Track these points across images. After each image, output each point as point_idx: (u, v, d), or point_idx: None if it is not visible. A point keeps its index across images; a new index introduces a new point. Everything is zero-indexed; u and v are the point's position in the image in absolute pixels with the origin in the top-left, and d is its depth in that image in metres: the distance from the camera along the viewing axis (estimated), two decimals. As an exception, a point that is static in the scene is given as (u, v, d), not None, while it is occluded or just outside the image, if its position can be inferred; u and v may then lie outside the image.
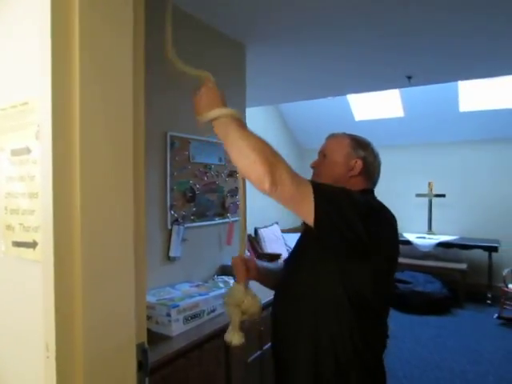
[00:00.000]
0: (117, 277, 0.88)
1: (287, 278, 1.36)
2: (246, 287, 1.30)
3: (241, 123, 1.15)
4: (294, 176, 1.07)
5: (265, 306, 1.41)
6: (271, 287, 1.46)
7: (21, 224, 0.89)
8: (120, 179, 0.90)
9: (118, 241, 0.89)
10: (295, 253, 1.41)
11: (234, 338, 1.26)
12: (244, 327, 1.29)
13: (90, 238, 0.82)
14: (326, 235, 1.11)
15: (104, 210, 0.85)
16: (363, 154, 1.34)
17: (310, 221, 1.07)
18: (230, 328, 1.28)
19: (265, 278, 1.49)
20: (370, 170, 1.35)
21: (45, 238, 0.80)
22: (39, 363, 0.80)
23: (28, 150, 0.87)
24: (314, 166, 1.39)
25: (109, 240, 0.86)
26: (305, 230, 1.39)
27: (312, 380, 1.20)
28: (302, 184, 1.08)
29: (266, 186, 1.02)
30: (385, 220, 1.23)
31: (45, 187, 0.80)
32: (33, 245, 0.86)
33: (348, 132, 1.43)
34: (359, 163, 1.32)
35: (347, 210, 1.09)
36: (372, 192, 1.37)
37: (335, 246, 1.15)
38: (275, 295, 1.40)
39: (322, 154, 1.39)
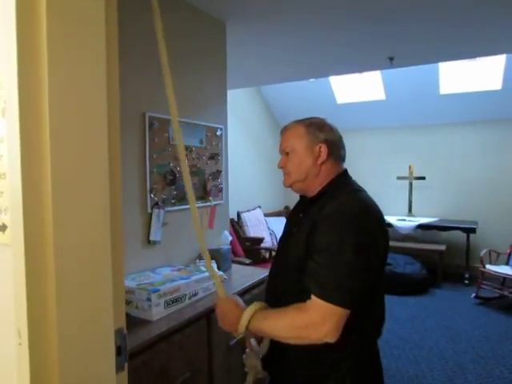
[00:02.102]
0: (92, 260, 0.85)
1: (278, 261, 1.38)
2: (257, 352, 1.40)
3: (262, 315, 1.22)
4: (319, 312, 1.10)
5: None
6: None
7: (-12, 206, 0.84)
8: (94, 160, 0.85)
9: (93, 223, 0.85)
10: (282, 246, 1.41)
11: None
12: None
13: (62, 220, 0.78)
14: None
15: (77, 192, 0.81)
16: (323, 136, 1.30)
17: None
18: None
19: None
20: (335, 149, 1.32)
21: (14, 220, 0.76)
22: (11, 351, 0.77)
23: (-6, 128, 0.82)
24: (282, 167, 1.36)
25: (82, 222, 0.82)
26: (293, 221, 1.39)
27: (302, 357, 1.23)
28: (323, 308, 1.10)
29: (329, 340, 1.10)
30: (376, 232, 1.21)
31: (13, 167, 0.75)
32: (2, 228, 0.81)
33: (326, 116, 1.40)
34: (323, 147, 1.29)
35: (355, 281, 1.12)
36: (346, 174, 1.35)
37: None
38: (269, 277, 1.41)
39: (284, 152, 1.35)
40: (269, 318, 1.20)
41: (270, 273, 1.41)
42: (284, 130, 1.38)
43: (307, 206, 1.33)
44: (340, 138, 1.35)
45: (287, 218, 1.51)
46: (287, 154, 1.33)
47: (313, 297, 1.12)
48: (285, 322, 1.15)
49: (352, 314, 1.14)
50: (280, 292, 1.31)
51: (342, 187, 1.28)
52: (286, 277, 1.28)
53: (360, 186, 1.32)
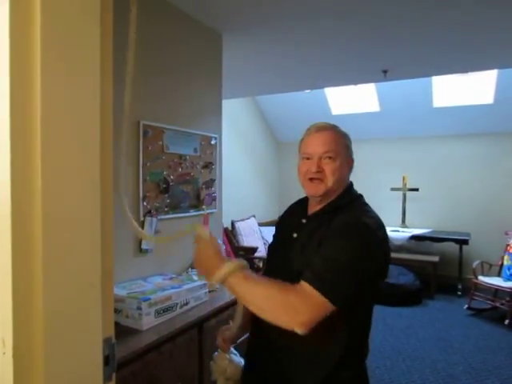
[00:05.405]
0: (81, 268, 0.84)
1: (277, 267, 1.30)
2: (229, 355, 1.36)
3: (243, 274, 1.11)
4: (306, 299, 1.04)
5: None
6: None
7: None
8: (85, 168, 0.85)
9: (83, 230, 0.84)
10: (277, 253, 1.35)
11: None
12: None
13: (51, 227, 0.77)
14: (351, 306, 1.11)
15: (67, 199, 0.81)
16: (352, 149, 1.30)
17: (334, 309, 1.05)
18: None
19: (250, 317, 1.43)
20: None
21: (2, 226, 0.75)
22: (-5, 360, 0.75)
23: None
24: (317, 171, 1.22)
25: (72, 229, 0.82)
26: (292, 225, 1.32)
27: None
28: (312, 297, 1.04)
29: (299, 331, 1.02)
30: (385, 245, 1.19)
31: (2, 180, 0.74)
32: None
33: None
34: (352, 161, 1.30)
35: (355, 281, 1.08)
36: (352, 185, 1.33)
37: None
38: None
39: (323, 156, 1.22)
40: (250, 281, 1.10)
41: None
42: (319, 131, 1.26)
43: (315, 215, 1.27)
44: None
45: (280, 222, 1.44)
46: (328, 158, 1.22)
47: (304, 283, 1.06)
48: (266, 293, 1.07)
49: (358, 332, 1.16)
50: None
51: (355, 201, 1.27)
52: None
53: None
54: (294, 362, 1.18)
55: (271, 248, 1.40)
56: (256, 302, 1.09)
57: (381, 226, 1.20)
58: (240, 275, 1.10)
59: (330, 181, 1.21)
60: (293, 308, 1.03)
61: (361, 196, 1.30)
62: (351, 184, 1.33)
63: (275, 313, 1.06)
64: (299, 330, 1.02)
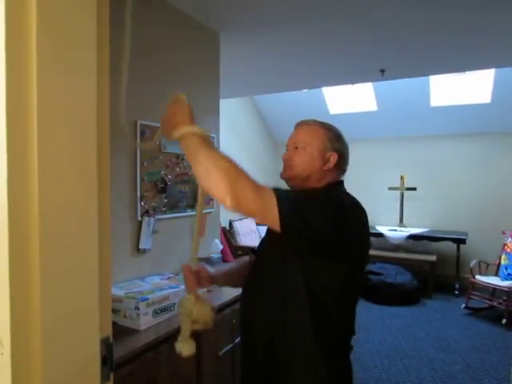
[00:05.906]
0: (78, 268, 0.84)
1: (256, 270, 1.35)
2: (197, 296, 1.28)
3: (206, 141, 1.11)
4: (257, 190, 1.06)
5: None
6: (241, 285, 1.43)
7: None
8: (82, 168, 0.85)
9: (80, 230, 0.84)
10: (264, 245, 1.39)
11: (184, 348, 1.23)
12: (195, 335, 1.26)
13: (48, 228, 0.77)
14: (295, 242, 1.13)
15: (64, 199, 0.81)
16: (338, 146, 1.31)
17: (277, 229, 1.07)
18: (179, 338, 1.25)
19: (228, 280, 1.51)
20: (343, 162, 1.34)
21: (-1, 227, 0.75)
22: (-7, 360, 0.75)
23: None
24: (287, 159, 1.32)
25: (69, 229, 0.82)
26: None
27: (275, 368, 1.21)
28: (266, 196, 1.06)
29: (227, 203, 1.01)
30: (355, 219, 1.21)
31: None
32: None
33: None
34: (334, 156, 1.30)
35: (313, 215, 1.09)
36: (342, 183, 1.36)
37: (306, 248, 1.15)
38: (245, 286, 1.38)
39: (294, 146, 1.31)
40: (211, 147, 1.10)
41: (251, 269, 1.38)
42: (301, 125, 1.36)
43: None
44: (348, 154, 1.37)
45: None
46: (296, 148, 1.31)
47: (269, 188, 1.10)
48: (219, 161, 1.05)
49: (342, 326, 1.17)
50: (260, 285, 1.29)
51: (335, 190, 1.29)
52: (270, 270, 1.26)
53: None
54: (291, 358, 1.19)
55: (261, 242, 1.44)
56: (204, 164, 1.05)
57: (360, 207, 1.25)
58: (202, 140, 1.10)
59: (295, 167, 1.29)
60: (236, 184, 1.03)
61: (348, 193, 1.31)
62: (341, 182, 1.36)
63: (217, 178, 1.02)
64: (228, 201, 1.01)
